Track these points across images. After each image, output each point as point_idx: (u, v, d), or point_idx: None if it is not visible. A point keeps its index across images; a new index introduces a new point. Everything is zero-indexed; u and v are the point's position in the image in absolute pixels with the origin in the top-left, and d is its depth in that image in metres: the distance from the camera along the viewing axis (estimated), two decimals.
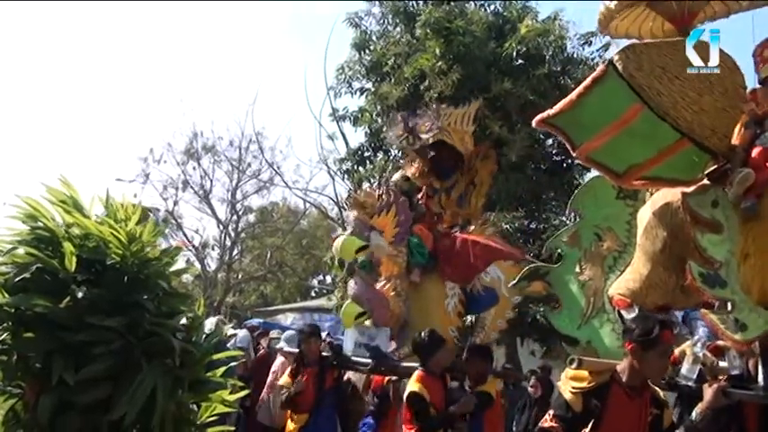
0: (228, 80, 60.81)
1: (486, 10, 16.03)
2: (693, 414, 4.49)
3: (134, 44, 59.57)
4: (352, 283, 7.92)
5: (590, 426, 4.13)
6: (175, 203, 35.96)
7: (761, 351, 4.86)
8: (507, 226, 13.16)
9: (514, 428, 11.52)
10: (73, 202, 3.98)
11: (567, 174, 14.84)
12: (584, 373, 4.30)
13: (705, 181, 5.13)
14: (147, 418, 3.69)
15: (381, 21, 16.89)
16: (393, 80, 15.14)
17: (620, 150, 5.06)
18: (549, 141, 14.98)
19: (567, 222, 9.82)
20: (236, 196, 36.89)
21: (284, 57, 66.34)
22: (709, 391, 4.54)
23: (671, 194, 5.34)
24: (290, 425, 7.85)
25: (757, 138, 5.00)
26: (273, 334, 12.35)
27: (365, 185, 15.47)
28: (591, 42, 15.19)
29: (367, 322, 7.81)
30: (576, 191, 6.98)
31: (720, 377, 4.88)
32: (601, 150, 5.06)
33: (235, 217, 37.64)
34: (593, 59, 15.01)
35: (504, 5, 16.23)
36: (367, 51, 16.39)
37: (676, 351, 4.81)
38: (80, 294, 3.69)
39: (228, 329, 11.70)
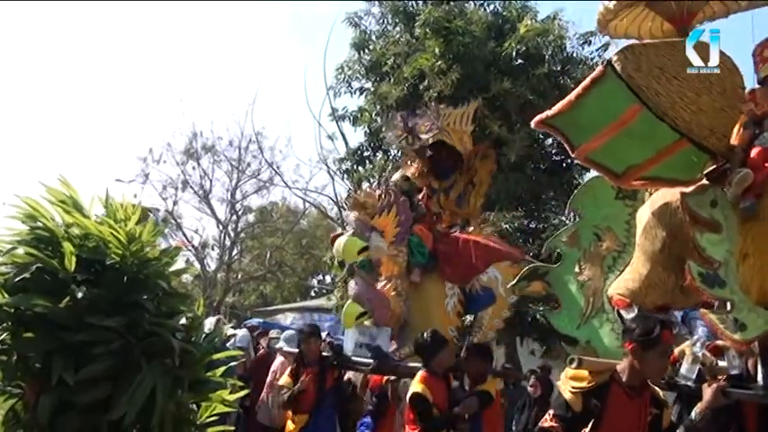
0: (228, 80, 60.94)
1: (485, 10, 16.04)
2: (693, 414, 4.50)
3: (134, 44, 59.65)
4: (352, 283, 7.91)
5: (590, 425, 4.14)
6: (175, 203, 36.03)
7: (760, 351, 4.87)
8: (507, 226, 13.17)
9: (514, 428, 11.53)
10: (72, 202, 3.98)
11: (566, 173, 14.85)
12: (584, 372, 4.30)
13: (704, 181, 5.13)
14: (147, 418, 3.67)
15: (381, 20, 16.90)
16: (392, 80, 15.14)
17: (619, 151, 5.07)
18: (549, 141, 14.99)
19: (567, 222, 9.83)
20: (236, 196, 36.96)
21: (284, 57, 66.44)
22: (708, 391, 4.55)
23: (670, 194, 5.35)
24: (290, 425, 7.84)
25: (756, 138, 5.01)
26: (273, 334, 12.35)
27: (365, 185, 15.49)
28: (590, 42, 15.21)
29: (366, 322, 7.81)
30: (575, 191, 7.00)
31: (720, 377, 4.89)
32: (600, 151, 5.07)
33: (234, 217, 37.70)
34: (592, 59, 15.03)
35: (503, 5, 16.23)
36: (366, 51, 16.40)
37: (676, 351, 4.82)
38: (80, 294, 3.68)
39: (228, 329, 11.73)
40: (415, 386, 6.48)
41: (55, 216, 3.93)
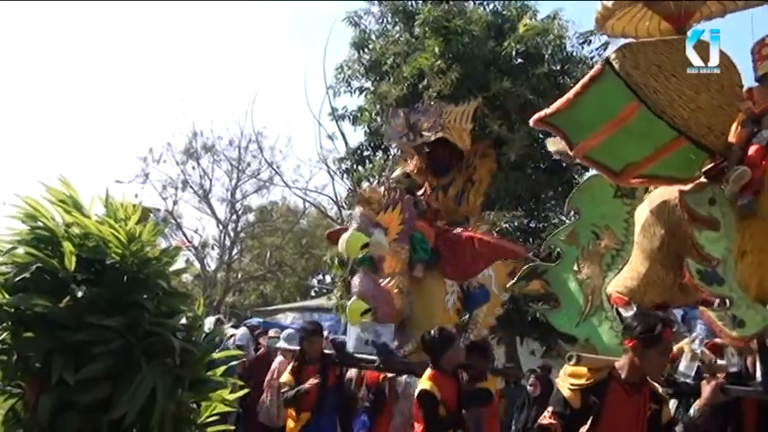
0: (228, 80, 60.88)
1: (485, 9, 16.03)
2: (691, 410, 4.51)
3: (134, 44, 59.60)
4: (356, 279, 7.84)
5: (589, 422, 4.15)
6: (175, 203, 36.02)
7: (758, 348, 4.88)
8: (507, 225, 13.18)
9: (513, 427, 11.53)
10: (72, 201, 3.98)
11: (566, 173, 14.83)
12: (583, 369, 4.32)
13: (702, 179, 5.15)
14: (147, 418, 3.68)
15: (380, 20, 16.90)
16: (392, 79, 15.14)
17: (618, 149, 5.07)
18: (550, 139, 14.94)
19: (567, 221, 9.85)
20: (236, 196, 36.94)
21: (284, 56, 66.41)
22: (707, 388, 4.56)
23: (668, 192, 5.36)
24: (291, 423, 7.82)
25: (754, 136, 5.04)
26: (272, 333, 12.33)
27: (365, 185, 15.50)
28: (590, 41, 15.21)
29: (365, 319, 7.77)
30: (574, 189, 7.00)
31: (719, 374, 4.90)
32: (598, 149, 5.07)
33: (234, 216, 37.69)
34: (592, 58, 15.03)
35: (503, 4, 16.23)
36: (366, 50, 16.41)
37: (674, 348, 4.82)
38: (80, 294, 3.69)
39: (228, 329, 11.73)
40: (424, 383, 6.47)
41: (55, 216, 3.94)
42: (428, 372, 6.55)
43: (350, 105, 17.52)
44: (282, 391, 7.93)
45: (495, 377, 7.27)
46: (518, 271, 7.80)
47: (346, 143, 18.43)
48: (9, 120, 53.11)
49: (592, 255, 6.46)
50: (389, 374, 7.56)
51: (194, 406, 4.19)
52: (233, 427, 4.87)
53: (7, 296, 3.67)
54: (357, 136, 26.38)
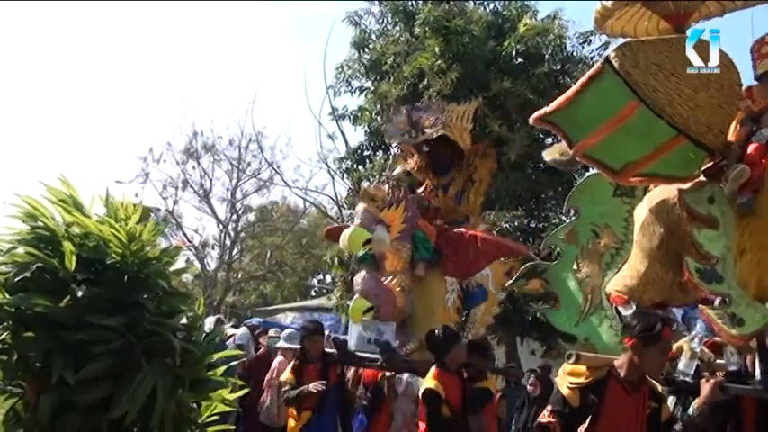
0: (228, 79, 60.93)
1: (485, 9, 16.02)
2: (691, 409, 4.51)
3: (134, 43, 59.64)
4: (359, 277, 7.82)
5: (588, 421, 4.16)
6: (175, 203, 36.04)
7: (758, 346, 4.89)
8: (507, 225, 13.19)
9: (513, 427, 11.54)
10: (73, 201, 3.99)
11: (566, 173, 14.82)
12: (582, 368, 4.32)
13: (701, 178, 5.16)
14: (148, 418, 3.68)
15: (381, 20, 16.89)
16: (392, 79, 15.13)
17: (617, 147, 5.08)
18: (549, 140, 14.93)
19: (567, 221, 9.87)
20: (236, 195, 36.96)
21: (284, 56, 66.44)
22: (706, 386, 4.56)
23: (667, 191, 5.36)
24: (292, 422, 7.81)
25: (753, 134, 5.04)
26: (272, 332, 12.33)
27: (365, 184, 15.51)
28: (590, 41, 15.19)
29: (365, 317, 7.75)
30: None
31: (718, 373, 4.91)
32: (597, 147, 5.08)
33: (234, 216, 37.70)
34: (592, 58, 15.01)
35: (503, 4, 16.22)
36: (366, 50, 16.40)
37: (674, 347, 4.83)
38: (80, 293, 3.69)
39: (228, 329, 11.72)
40: (428, 382, 6.47)
41: (55, 215, 3.94)
42: (433, 370, 6.56)
43: (350, 105, 17.56)
44: (283, 389, 7.90)
45: (494, 376, 7.26)
46: (515, 270, 7.82)
47: (346, 143, 18.46)
48: (9, 119, 53.15)
49: (591, 254, 6.46)
50: (388, 373, 7.56)
51: (195, 406, 4.19)
52: (233, 427, 4.86)
53: (7, 296, 3.67)
54: (357, 136, 26.53)
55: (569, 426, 4.19)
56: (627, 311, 5.37)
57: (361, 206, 7.86)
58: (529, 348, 15.89)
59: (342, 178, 19.22)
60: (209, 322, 9.32)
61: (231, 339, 10.68)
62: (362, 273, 7.82)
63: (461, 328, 8.34)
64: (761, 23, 6.13)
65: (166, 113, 66.65)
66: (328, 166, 22.79)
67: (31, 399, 3.73)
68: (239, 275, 39.91)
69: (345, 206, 20.55)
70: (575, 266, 6.55)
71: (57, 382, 3.53)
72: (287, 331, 10.55)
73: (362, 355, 7.57)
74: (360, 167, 16.21)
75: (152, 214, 4.79)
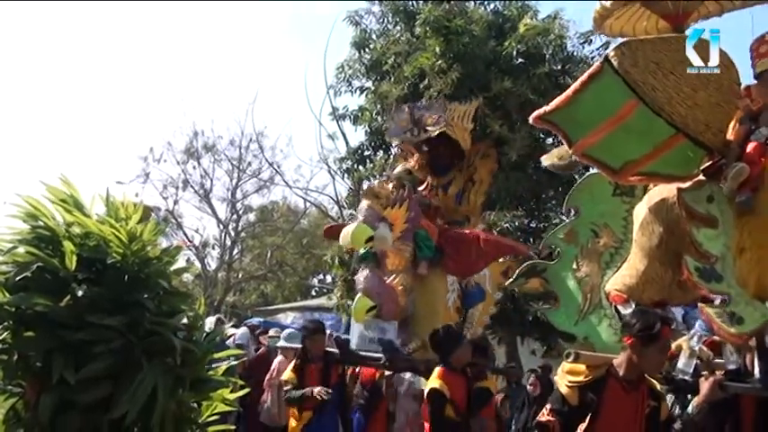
0: (229, 79, 60.91)
1: (485, 9, 16.00)
2: (690, 407, 4.53)
3: (135, 44, 59.67)
4: (361, 276, 7.81)
5: (587, 419, 4.17)
6: (175, 203, 36.11)
7: (756, 345, 4.90)
8: (507, 225, 13.17)
9: (513, 427, 11.53)
10: (73, 201, 3.98)
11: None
12: (581, 366, 4.33)
13: (700, 176, 5.17)
14: (148, 417, 3.68)
15: (381, 19, 16.87)
16: (393, 79, 15.11)
17: (616, 146, 5.09)
18: (550, 140, 14.92)
19: (567, 221, 9.88)
20: (237, 195, 37.02)
21: (284, 56, 66.42)
22: (705, 385, 4.58)
23: (666, 190, 5.38)
24: (293, 422, 7.81)
25: (752, 133, 5.05)
26: (272, 332, 12.34)
27: (365, 184, 15.50)
28: (591, 41, 15.16)
29: (369, 316, 7.73)
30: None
31: (717, 372, 4.92)
32: (597, 146, 5.09)
33: (235, 216, 37.74)
34: (593, 58, 14.95)
35: (503, 4, 16.19)
36: (367, 50, 16.37)
37: (673, 346, 4.84)
38: (80, 293, 3.68)
39: (228, 329, 11.72)
40: (433, 382, 6.47)
41: (56, 215, 3.94)
42: (438, 370, 6.56)
43: (351, 105, 17.53)
44: (285, 389, 7.89)
45: (494, 377, 7.26)
46: (512, 270, 7.84)
47: (347, 143, 18.45)
48: (10, 119, 53.18)
49: (591, 253, 6.47)
50: (387, 372, 7.55)
51: (195, 405, 4.19)
52: (233, 427, 4.86)
53: (8, 295, 3.67)
54: (358, 136, 26.48)
55: (568, 424, 4.20)
56: (626, 310, 5.39)
57: (364, 203, 7.86)
58: (529, 348, 15.88)
59: (342, 178, 19.26)
60: (210, 322, 9.33)
61: (231, 339, 10.68)
62: (365, 271, 7.79)
63: (460, 327, 8.34)
64: (761, 23, 6.14)
65: (167, 113, 66.56)
66: (329, 166, 22.84)
67: (32, 398, 3.73)
68: (240, 275, 39.93)
69: (346, 206, 20.55)
70: (574, 266, 6.56)
71: (57, 381, 3.52)
72: (287, 331, 10.56)
73: (365, 354, 7.55)
74: (360, 167, 16.19)
75: (152, 214, 4.80)
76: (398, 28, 16.47)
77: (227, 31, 60.94)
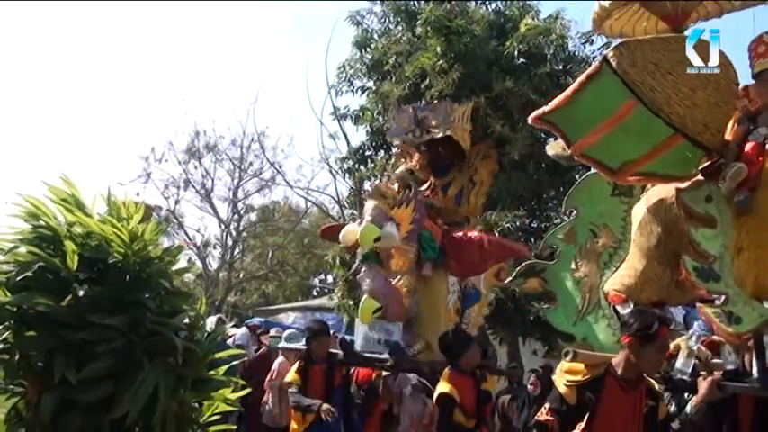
0: (230, 79, 60.95)
1: (487, 9, 15.98)
2: (688, 407, 4.54)
3: (135, 44, 59.68)
4: (366, 276, 7.77)
5: (585, 419, 4.18)
6: (177, 202, 36.16)
7: (755, 344, 4.91)
8: (508, 225, 13.17)
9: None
10: (75, 200, 4.00)
11: (568, 172, 14.76)
12: (580, 366, 4.34)
13: (699, 177, 5.17)
14: (149, 417, 3.70)
15: (383, 19, 16.86)
16: (394, 79, 15.10)
17: (615, 147, 5.09)
18: (551, 140, 14.90)
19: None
20: (238, 195, 37.04)
21: (285, 56, 66.40)
22: (704, 384, 4.60)
23: (665, 190, 5.38)
24: (294, 425, 7.77)
25: (750, 133, 5.06)
26: (273, 332, 12.35)
27: (367, 184, 15.52)
28: (592, 41, 15.14)
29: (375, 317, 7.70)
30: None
31: (715, 372, 4.93)
32: (596, 147, 5.09)
33: (236, 216, 37.74)
34: (594, 58, 14.92)
35: (505, 4, 16.16)
36: (368, 50, 16.36)
37: (671, 345, 4.85)
38: (82, 293, 3.70)
39: (229, 329, 11.72)
40: (442, 386, 6.45)
41: (57, 215, 3.95)
42: (446, 373, 6.55)
43: (352, 105, 17.52)
44: (290, 390, 7.84)
45: (493, 378, 7.25)
46: (504, 272, 7.84)
47: (348, 143, 18.43)
48: (11, 119, 53.20)
49: (589, 253, 6.47)
50: (384, 372, 7.54)
51: (196, 405, 4.20)
52: (234, 427, 4.87)
53: (9, 295, 3.69)
54: (359, 135, 26.44)
55: (567, 424, 4.21)
56: (625, 310, 5.39)
57: (371, 203, 7.82)
58: (531, 348, 15.88)
59: (344, 178, 19.21)
60: (211, 322, 9.34)
61: (231, 340, 10.68)
62: (371, 272, 7.75)
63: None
64: (762, 23, 6.16)
65: (168, 113, 66.71)
66: (330, 166, 22.81)
67: (33, 398, 3.75)
68: (241, 275, 39.93)
69: (347, 206, 20.54)
70: (573, 266, 6.56)
71: (58, 381, 3.54)
72: (288, 331, 10.56)
73: (369, 355, 7.53)
74: (361, 167, 16.17)
75: (154, 214, 4.81)
76: (400, 28, 16.47)
77: (228, 31, 61.04)
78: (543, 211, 15.21)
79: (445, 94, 12.94)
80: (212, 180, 36.43)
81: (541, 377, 11.40)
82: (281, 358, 9.90)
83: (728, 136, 5.09)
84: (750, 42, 5.31)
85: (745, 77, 5.26)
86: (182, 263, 4.58)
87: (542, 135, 13.99)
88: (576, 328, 6.42)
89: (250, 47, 63.33)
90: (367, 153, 16.33)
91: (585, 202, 6.54)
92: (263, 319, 18.30)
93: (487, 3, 16.23)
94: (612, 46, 4.78)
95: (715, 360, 5.12)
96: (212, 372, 4.22)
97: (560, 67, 14.80)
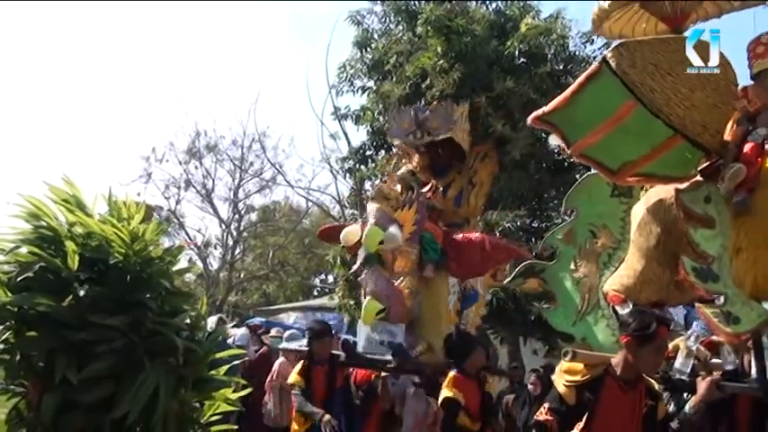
0: (230, 79, 61.01)
1: (487, 8, 15.96)
2: (687, 407, 4.55)
3: (136, 44, 59.75)
4: (369, 278, 7.75)
5: (584, 419, 4.19)
6: (178, 203, 36.26)
7: (753, 344, 4.92)
8: (509, 224, 13.17)
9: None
10: (76, 200, 4.01)
11: (569, 172, 14.78)
12: (579, 366, 4.35)
13: (698, 177, 5.18)
14: (150, 417, 3.71)
15: (383, 19, 16.86)
16: (395, 78, 15.08)
17: (614, 147, 5.09)
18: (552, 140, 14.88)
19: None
20: (239, 195, 37.11)
21: (285, 56, 66.44)
22: (702, 385, 4.61)
23: (664, 191, 5.38)
24: (296, 426, 7.80)
25: (749, 134, 5.06)
26: (273, 332, 12.36)
27: (367, 184, 15.51)
28: (593, 41, 15.10)
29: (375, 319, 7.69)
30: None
31: (714, 372, 4.94)
32: (595, 147, 5.09)
33: (237, 216, 37.79)
34: (595, 58, 14.90)
35: (505, 4, 16.11)
36: (368, 49, 16.35)
37: (670, 346, 4.86)
38: (83, 293, 3.71)
39: (230, 329, 11.74)
40: (447, 390, 6.45)
41: (58, 215, 3.96)
42: (451, 377, 6.54)
43: (352, 105, 17.48)
44: (294, 392, 7.82)
45: (493, 379, 7.25)
46: (500, 272, 7.83)
47: (349, 142, 18.47)
48: (12, 119, 53.23)
49: (589, 253, 6.46)
50: (383, 373, 7.53)
51: (197, 405, 4.21)
52: (235, 427, 4.88)
53: (10, 295, 3.70)
54: (360, 135, 26.43)
55: (566, 424, 4.22)
56: (624, 311, 5.38)
57: (374, 205, 7.80)
58: (531, 348, 15.87)
59: (344, 178, 19.25)
60: (211, 321, 9.34)
61: (231, 340, 10.68)
62: (374, 273, 7.73)
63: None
64: (762, 23, 6.16)
65: (169, 113, 66.82)
66: (331, 166, 22.91)
67: (34, 398, 3.76)
68: (242, 275, 39.96)
69: (348, 206, 20.55)
70: (572, 266, 6.55)
71: (59, 381, 3.55)
72: (289, 332, 10.58)
73: (372, 357, 7.52)
74: (362, 167, 16.16)
75: (155, 214, 4.82)
76: (400, 27, 16.45)
77: (229, 31, 61.13)
78: (544, 210, 15.18)
79: (446, 94, 12.94)
80: (213, 180, 36.56)
81: (542, 377, 11.40)
82: (281, 359, 9.92)
83: (727, 137, 5.09)
84: (749, 43, 5.31)
85: (745, 78, 5.27)
86: (182, 263, 4.60)
87: (543, 135, 13.93)
88: (576, 328, 6.42)
89: (250, 47, 63.43)
90: (368, 153, 16.31)
91: (585, 203, 6.53)
92: (263, 319, 18.33)
93: (488, 2, 16.20)
94: (612, 47, 4.78)
95: (714, 360, 5.13)
96: (213, 372, 4.23)
97: (561, 67, 14.79)
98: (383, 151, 15.89)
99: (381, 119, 15.20)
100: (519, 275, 7.00)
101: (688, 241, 5.08)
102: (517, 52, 14.51)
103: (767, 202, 4.81)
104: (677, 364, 4.97)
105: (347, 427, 7.77)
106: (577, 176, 14.06)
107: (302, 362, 8.02)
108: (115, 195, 4.17)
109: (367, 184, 16.25)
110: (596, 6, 6.05)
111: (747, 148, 4.96)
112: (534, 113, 5.08)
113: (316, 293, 39.09)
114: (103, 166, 52.21)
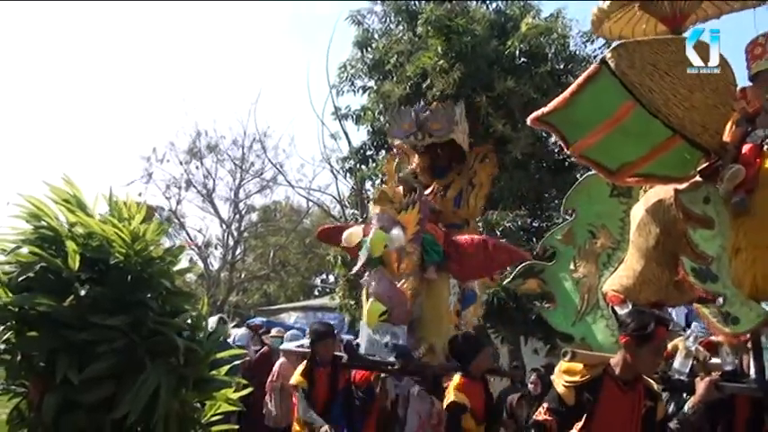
0: (231, 79, 61.13)
1: (487, 8, 15.98)
2: (686, 407, 4.56)
3: (136, 44, 59.80)
4: (372, 279, 7.74)
5: (583, 419, 4.19)
6: (178, 203, 36.29)
7: (752, 345, 4.92)
8: (510, 224, 13.17)
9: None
10: (76, 201, 4.01)
11: (569, 172, 14.79)
12: (578, 366, 4.36)
13: (697, 178, 5.17)
14: (151, 417, 3.72)
15: (383, 19, 16.88)
16: (395, 78, 15.10)
17: (614, 148, 5.08)
18: (552, 139, 14.90)
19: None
20: (239, 195, 37.12)
21: (286, 56, 66.51)
22: (701, 385, 4.61)
23: (663, 192, 5.38)
24: (297, 426, 7.83)
25: (748, 135, 5.07)
26: (274, 332, 12.36)
27: (368, 183, 15.52)
28: (593, 40, 15.14)
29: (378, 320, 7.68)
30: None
31: (713, 372, 4.94)
32: (594, 148, 5.08)
33: (238, 216, 37.80)
34: (595, 57, 14.92)
35: (506, 4, 16.14)
36: (369, 49, 16.36)
37: (669, 346, 4.86)
38: (83, 293, 3.71)
39: (231, 329, 11.74)
40: (452, 394, 6.45)
41: (59, 215, 3.97)
42: (456, 380, 6.54)
43: (353, 104, 17.49)
44: (297, 394, 7.85)
45: (492, 379, 7.24)
46: (498, 273, 7.82)
47: (349, 142, 18.47)
48: (13, 120, 53.25)
49: (588, 254, 6.45)
50: (383, 374, 7.52)
51: (198, 405, 4.22)
52: (236, 426, 4.89)
53: (11, 295, 3.71)
54: (360, 135, 26.49)
55: (565, 424, 4.23)
56: (623, 311, 5.39)
57: (377, 208, 7.80)
58: (532, 347, 15.88)
59: (345, 178, 19.26)
60: (212, 322, 9.34)
61: (231, 340, 10.68)
62: (376, 275, 7.70)
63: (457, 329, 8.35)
64: (762, 24, 6.16)
65: (169, 114, 66.85)
66: (331, 166, 22.90)
67: (35, 398, 3.77)
68: (242, 275, 39.98)
69: (348, 205, 20.57)
70: (571, 266, 6.53)
71: (60, 381, 3.56)
72: (290, 332, 10.57)
73: (374, 358, 7.51)
74: (363, 167, 16.17)
75: (155, 214, 4.82)
76: (401, 27, 16.48)
77: (229, 31, 61.26)
78: (545, 210, 15.19)
79: (446, 94, 12.96)
80: (214, 180, 36.59)
81: (542, 376, 11.40)
82: (282, 359, 9.91)
83: (726, 137, 5.09)
84: (747, 44, 5.32)
85: (744, 79, 5.28)
86: (183, 263, 4.59)
87: (544, 134, 14.00)
88: (575, 328, 6.41)
89: (250, 47, 63.50)
90: (368, 153, 16.34)
91: (584, 203, 6.52)
92: (264, 319, 18.34)
93: (488, 2, 16.23)
94: (611, 47, 4.79)
95: (713, 360, 5.13)
96: (214, 372, 4.24)
97: (561, 67, 14.81)
98: (383, 151, 15.90)
99: (382, 119, 15.22)
100: (518, 276, 6.99)
101: (687, 242, 5.07)
102: (518, 52, 14.54)
103: (766, 202, 4.81)
104: (676, 364, 4.98)
105: (348, 428, 7.79)
106: (578, 176, 14.02)
107: (305, 363, 8.02)
108: (116, 195, 4.19)
109: (367, 184, 16.29)
110: (596, 7, 6.05)
111: (746, 148, 4.97)
112: (534, 114, 5.08)
113: (316, 293, 39.11)
114: (104, 166, 52.34)
